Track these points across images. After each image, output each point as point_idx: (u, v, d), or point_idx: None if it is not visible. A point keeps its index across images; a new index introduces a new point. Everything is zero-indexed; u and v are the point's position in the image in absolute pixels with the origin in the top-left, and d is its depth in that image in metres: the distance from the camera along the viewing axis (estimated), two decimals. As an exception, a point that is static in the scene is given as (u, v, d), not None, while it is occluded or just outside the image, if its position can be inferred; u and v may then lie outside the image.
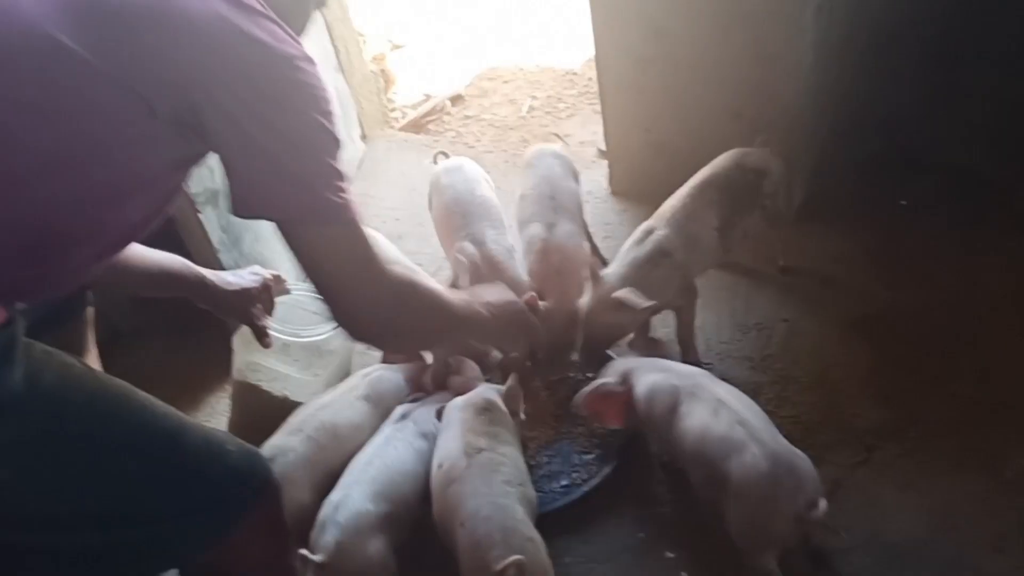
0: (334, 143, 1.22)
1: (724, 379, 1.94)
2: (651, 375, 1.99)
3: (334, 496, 1.79)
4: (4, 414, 1.00)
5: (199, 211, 2.28)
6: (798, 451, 1.73)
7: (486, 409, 1.94)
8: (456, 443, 1.82)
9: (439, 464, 1.83)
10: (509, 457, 1.83)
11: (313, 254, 1.25)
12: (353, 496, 1.76)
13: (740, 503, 1.70)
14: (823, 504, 1.65)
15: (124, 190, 1.14)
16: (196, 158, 1.24)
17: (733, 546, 1.87)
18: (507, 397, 2.02)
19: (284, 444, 1.89)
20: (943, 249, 2.59)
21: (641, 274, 2.19)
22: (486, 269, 2.30)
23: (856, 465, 2.03)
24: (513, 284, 2.27)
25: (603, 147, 3.19)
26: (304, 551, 1.69)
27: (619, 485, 2.06)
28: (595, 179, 3.10)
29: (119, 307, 2.76)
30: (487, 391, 2.04)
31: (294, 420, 1.97)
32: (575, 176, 2.66)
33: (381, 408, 2.05)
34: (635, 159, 2.95)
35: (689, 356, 2.31)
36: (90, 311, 1.82)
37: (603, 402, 2.02)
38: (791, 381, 2.26)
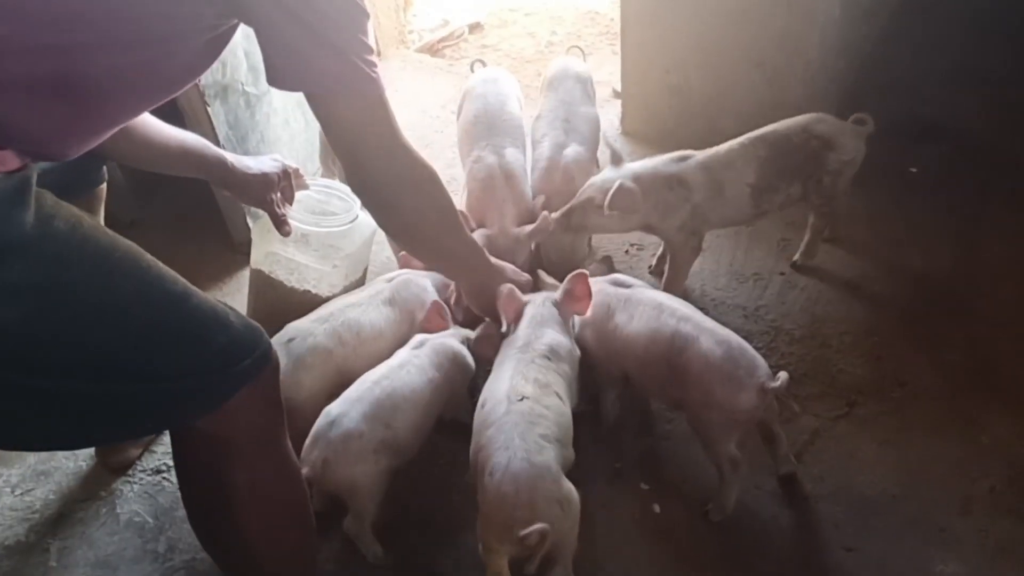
0: (365, 18, 1.27)
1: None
2: None
3: (333, 409, 1.75)
4: (14, 255, 0.99)
5: (208, 104, 2.26)
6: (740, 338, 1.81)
7: (546, 356, 1.80)
8: (503, 385, 1.71)
9: (481, 403, 1.73)
10: (553, 411, 1.67)
11: (340, 126, 1.35)
12: (351, 415, 1.73)
13: (704, 389, 1.74)
14: (783, 375, 1.70)
15: (148, 54, 1.13)
16: (224, 36, 1.24)
17: (705, 481, 1.91)
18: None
19: (308, 328, 1.90)
20: (947, 219, 2.59)
21: (654, 187, 2.17)
22: (501, 180, 2.31)
23: (836, 418, 2.05)
24: (522, 199, 2.31)
25: (618, 88, 3.16)
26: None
27: (599, 416, 2.07)
28: (607, 118, 3.08)
29: (119, 198, 2.73)
30: (556, 335, 1.87)
31: (323, 310, 1.96)
32: (593, 99, 2.66)
33: (404, 314, 2.04)
34: (650, 99, 2.92)
35: None
36: (103, 188, 1.81)
37: None
38: (781, 332, 2.28)
